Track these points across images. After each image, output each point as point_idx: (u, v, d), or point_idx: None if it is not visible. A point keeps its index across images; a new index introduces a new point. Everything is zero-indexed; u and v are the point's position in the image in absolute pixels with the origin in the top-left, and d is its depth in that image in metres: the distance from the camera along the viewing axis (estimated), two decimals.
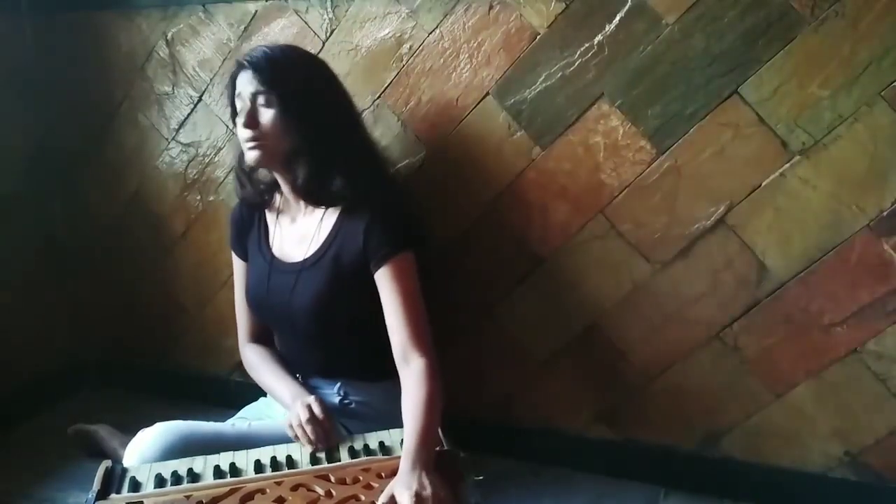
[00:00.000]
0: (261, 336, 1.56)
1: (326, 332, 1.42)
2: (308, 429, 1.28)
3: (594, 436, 1.73)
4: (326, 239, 1.40)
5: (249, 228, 1.53)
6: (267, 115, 1.33)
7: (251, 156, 1.36)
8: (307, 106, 1.35)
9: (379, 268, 1.35)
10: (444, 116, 1.64)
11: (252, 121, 1.33)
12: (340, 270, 1.38)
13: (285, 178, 1.42)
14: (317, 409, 1.30)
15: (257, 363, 1.51)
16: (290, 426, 1.31)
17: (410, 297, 1.34)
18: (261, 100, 1.33)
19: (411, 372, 1.30)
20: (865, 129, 1.36)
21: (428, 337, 1.34)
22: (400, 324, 1.33)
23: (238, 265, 1.56)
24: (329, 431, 1.30)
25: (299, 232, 1.45)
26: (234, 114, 1.40)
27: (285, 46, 1.45)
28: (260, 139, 1.34)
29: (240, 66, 1.36)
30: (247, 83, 1.34)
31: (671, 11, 1.42)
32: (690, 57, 1.43)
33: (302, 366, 1.49)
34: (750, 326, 1.53)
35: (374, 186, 1.40)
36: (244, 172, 1.48)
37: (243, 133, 1.35)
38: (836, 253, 1.44)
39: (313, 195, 1.40)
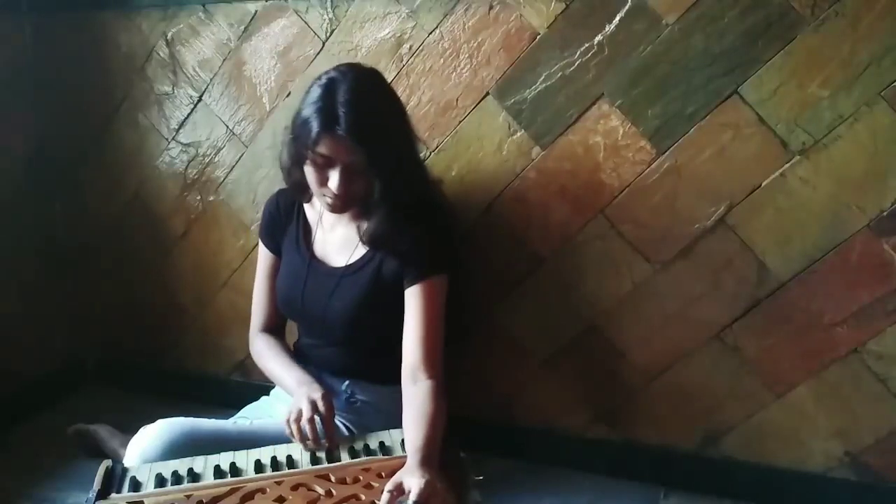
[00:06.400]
0: (273, 328, 1.56)
1: (356, 338, 1.43)
2: (307, 428, 1.26)
3: (594, 436, 1.73)
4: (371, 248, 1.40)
5: (286, 223, 1.51)
6: (359, 181, 1.29)
7: (329, 209, 1.34)
8: (398, 166, 1.31)
9: (411, 285, 1.35)
10: (444, 116, 1.64)
11: (345, 190, 1.28)
12: (381, 280, 1.38)
13: (351, 216, 1.40)
14: (322, 407, 1.29)
15: (265, 352, 1.50)
16: (288, 421, 1.28)
17: (431, 320, 1.35)
18: (356, 167, 1.27)
19: (417, 390, 1.30)
20: (865, 129, 1.36)
21: (439, 362, 1.35)
22: (415, 344, 1.34)
23: (265, 256, 1.54)
24: (330, 433, 1.28)
25: (343, 236, 1.43)
26: (299, 158, 1.32)
27: (374, 94, 1.33)
28: (344, 199, 1.31)
29: (331, 129, 1.24)
30: (342, 150, 1.25)
31: (671, 11, 1.43)
32: (690, 57, 1.43)
33: (317, 361, 1.48)
34: (750, 326, 1.53)
35: (428, 211, 1.39)
36: (290, 175, 1.41)
37: (327, 191, 1.30)
38: (836, 253, 1.44)
39: (377, 244, 1.38)
